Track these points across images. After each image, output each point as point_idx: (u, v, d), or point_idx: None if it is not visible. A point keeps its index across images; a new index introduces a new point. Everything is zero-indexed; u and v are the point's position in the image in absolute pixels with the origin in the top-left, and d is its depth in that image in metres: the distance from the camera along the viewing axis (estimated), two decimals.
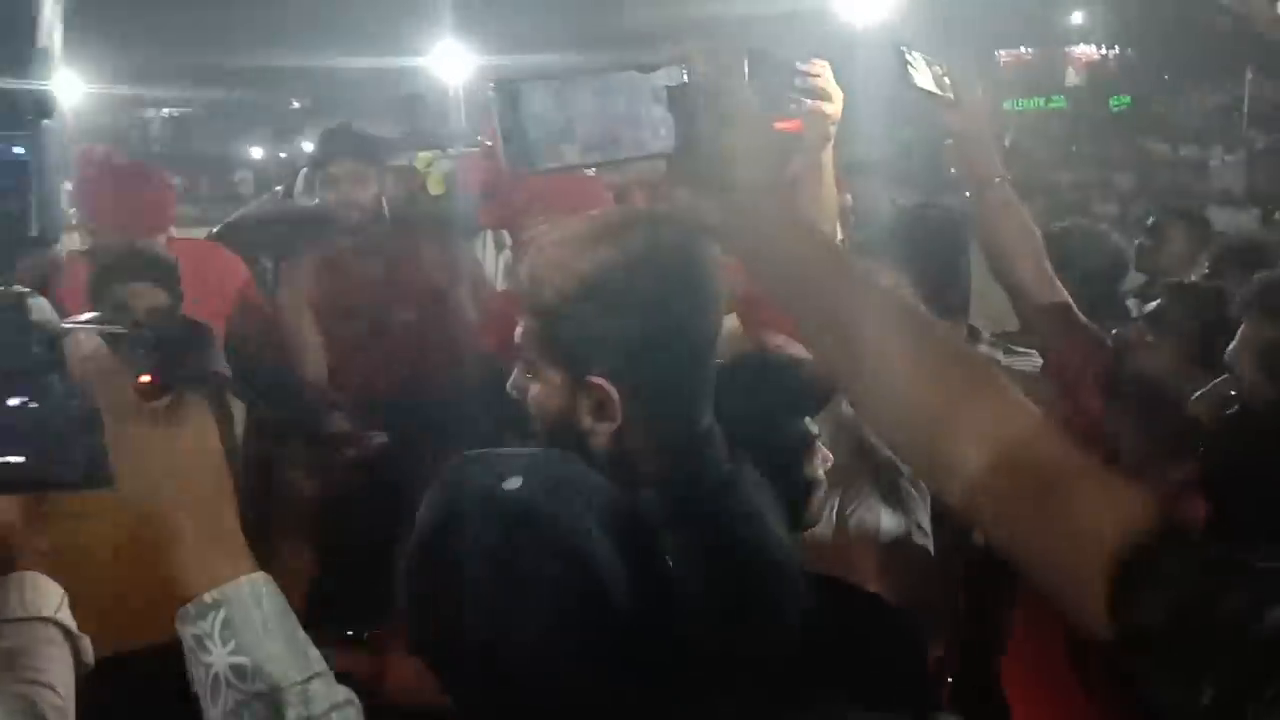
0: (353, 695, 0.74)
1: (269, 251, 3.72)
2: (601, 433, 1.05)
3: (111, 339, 0.72)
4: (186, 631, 0.72)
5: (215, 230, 4.04)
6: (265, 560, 2.61)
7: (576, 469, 0.88)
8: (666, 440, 1.07)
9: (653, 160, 0.82)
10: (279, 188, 4.92)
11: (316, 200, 4.11)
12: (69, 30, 0.73)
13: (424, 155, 4.21)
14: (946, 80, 1.84)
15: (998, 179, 1.86)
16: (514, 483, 0.83)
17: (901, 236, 2.03)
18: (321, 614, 2.64)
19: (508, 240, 3.12)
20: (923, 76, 1.81)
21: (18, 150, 0.69)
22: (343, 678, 0.78)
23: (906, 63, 1.78)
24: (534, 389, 1.09)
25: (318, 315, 2.98)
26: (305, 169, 4.88)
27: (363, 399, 2.92)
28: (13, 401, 0.69)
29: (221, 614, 0.71)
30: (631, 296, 1.03)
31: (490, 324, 2.61)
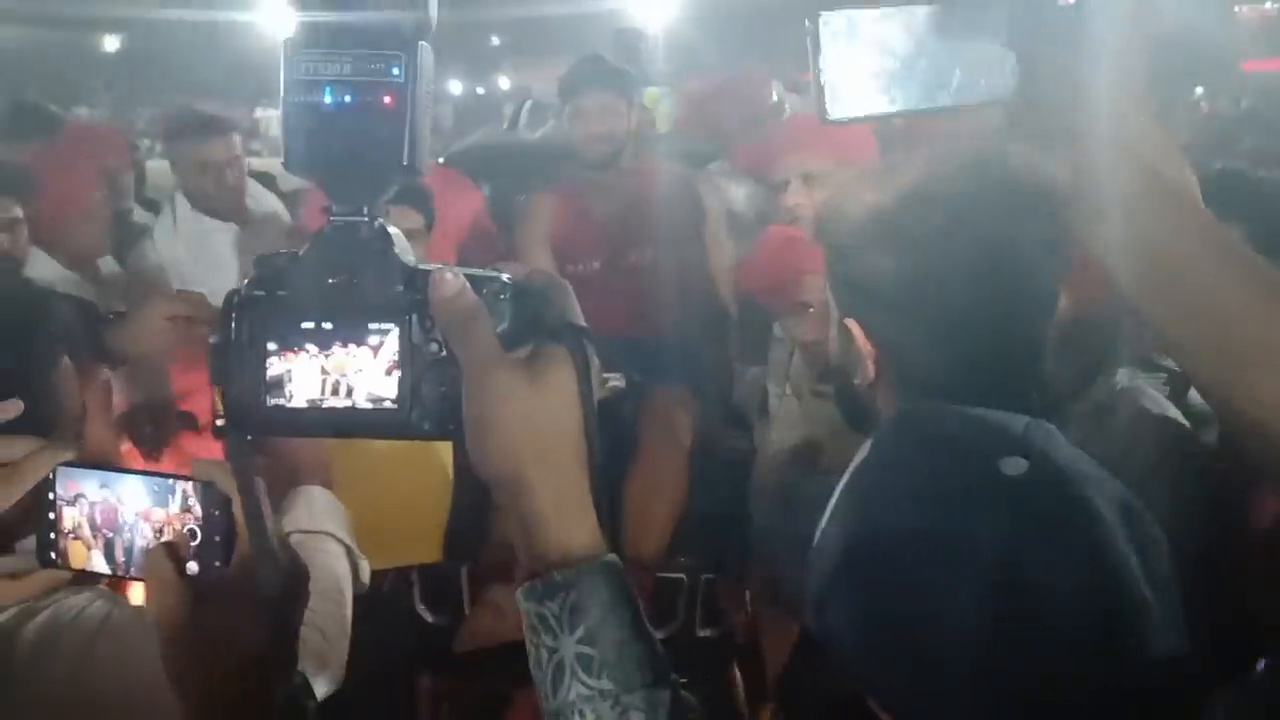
0: (699, 708, 0.66)
1: (495, 181, 3.72)
2: (863, 379, 1.00)
3: (475, 283, 0.65)
4: (530, 608, 0.65)
5: (443, 158, 4.08)
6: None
7: (1067, 444, 0.75)
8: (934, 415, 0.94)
9: (987, 107, 0.71)
10: (505, 121, 4.95)
11: (539, 134, 4.10)
12: None
13: (651, 91, 4.11)
14: None
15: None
16: (1016, 465, 0.70)
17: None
18: None
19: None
20: None
21: (395, 72, 0.63)
22: None
23: None
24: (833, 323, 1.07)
25: (555, 251, 2.92)
26: (530, 101, 4.91)
27: (596, 335, 2.87)
28: (372, 340, 0.64)
29: (572, 597, 0.63)
30: (896, 239, 0.96)
31: (754, 263, 2.50)
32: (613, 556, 0.65)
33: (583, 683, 0.63)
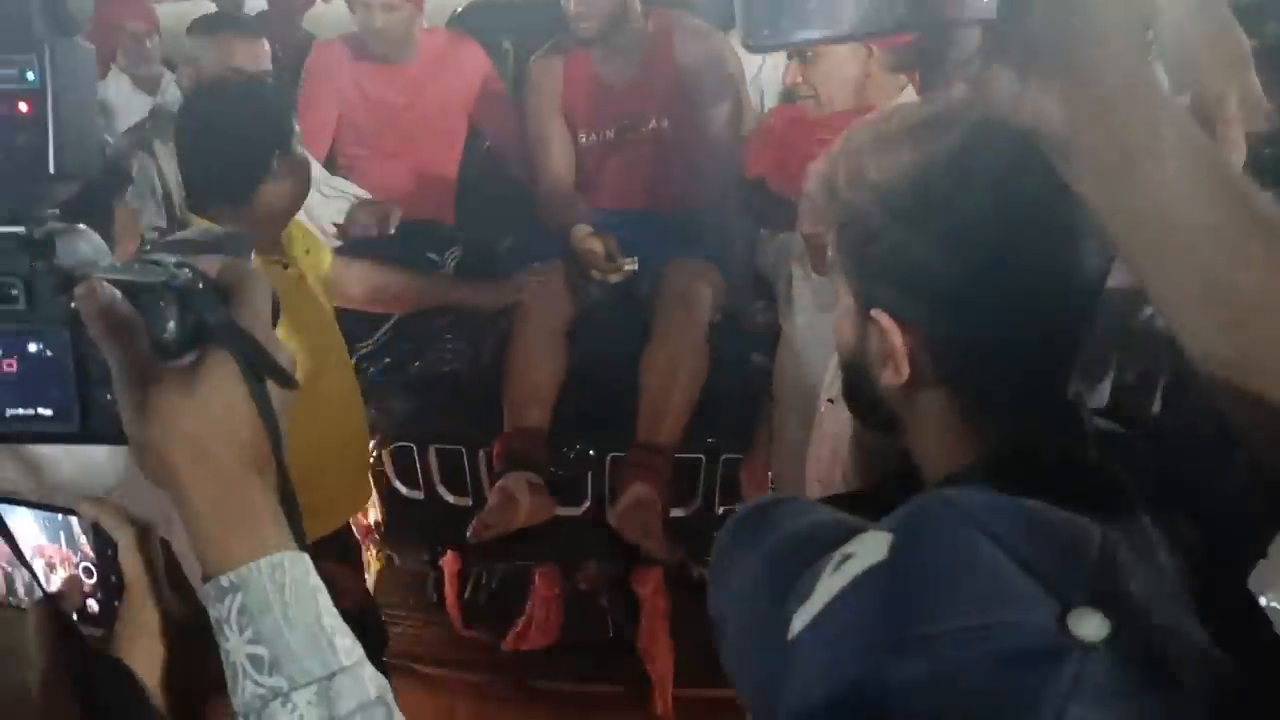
0: (385, 691, 0.66)
1: (509, 34, 3.54)
2: (889, 380, 0.85)
3: (133, 290, 0.63)
4: (210, 611, 0.66)
5: (458, 11, 3.88)
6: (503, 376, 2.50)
7: (1143, 567, 0.60)
8: (973, 424, 0.84)
9: (964, 29, 0.62)
10: None
11: None
12: None
13: None
14: None
15: None
16: (1093, 625, 0.54)
17: None
18: (566, 430, 2.62)
19: None
20: None
21: (30, 76, 0.61)
22: None
23: None
24: (838, 305, 0.92)
25: (566, 119, 2.78)
26: None
27: (609, 209, 2.76)
28: (32, 348, 0.65)
29: (239, 599, 0.63)
30: (931, 214, 0.81)
31: (759, 145, 2.35)
32: (283, 554, 0.65)
33: (255, 681, 0.63)
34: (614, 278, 2.56)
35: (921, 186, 0.82)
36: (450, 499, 2.64)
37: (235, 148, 1.92)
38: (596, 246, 2.55)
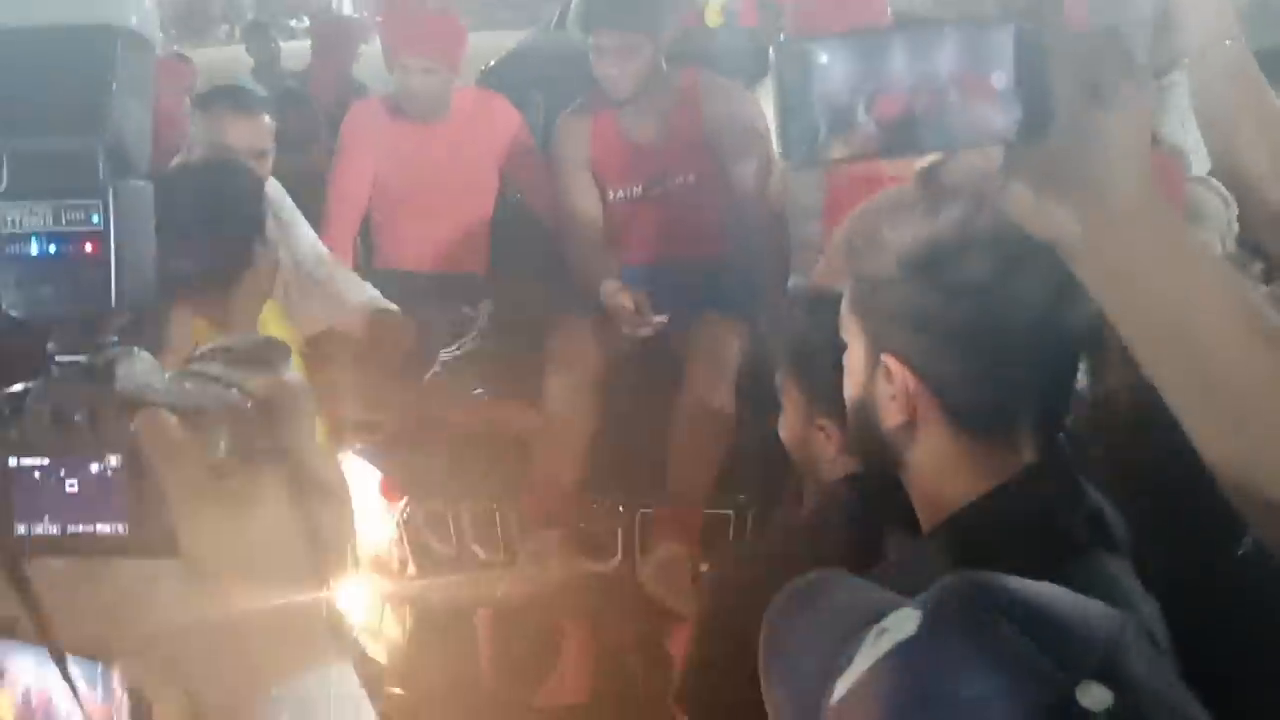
0: None
1: (538, 87, 3.59)
2: (892, 421, 0.98)
3: (187, 413, 0.65)
4: None
5: (490, 65, 3.94)
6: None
7: (1150, 651, 0.65)
8: (971, 458, 0.98)
9: (983, 149, 0.64)
10: (553, 19, 4.75)
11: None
12: None
13: None
14: None
15: (1228, 41, 1.39)
16: (1098, 697, 0.60)
17: None
18: (595, 485, 2.63)
19: None
20: None
21: (95, 219, 0.65)
22: None
23: None
24: (849, 352, 1.04)
25: (594, 177, 2.81)
26: None
27: (638, 264, 2.78)
28: (93, 469, 0.66)
29: (287, 711, 0.64)
30: (939, 270, 0.94)
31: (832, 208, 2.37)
32: (329, 666, 0.66)
33: None
34: (643, 333, 2.58)
35: (932, 246, 0.94)
36: (482, 555, 2.65)
37: (203, 241, 1.77)
38: (626, 302, 2.56)
